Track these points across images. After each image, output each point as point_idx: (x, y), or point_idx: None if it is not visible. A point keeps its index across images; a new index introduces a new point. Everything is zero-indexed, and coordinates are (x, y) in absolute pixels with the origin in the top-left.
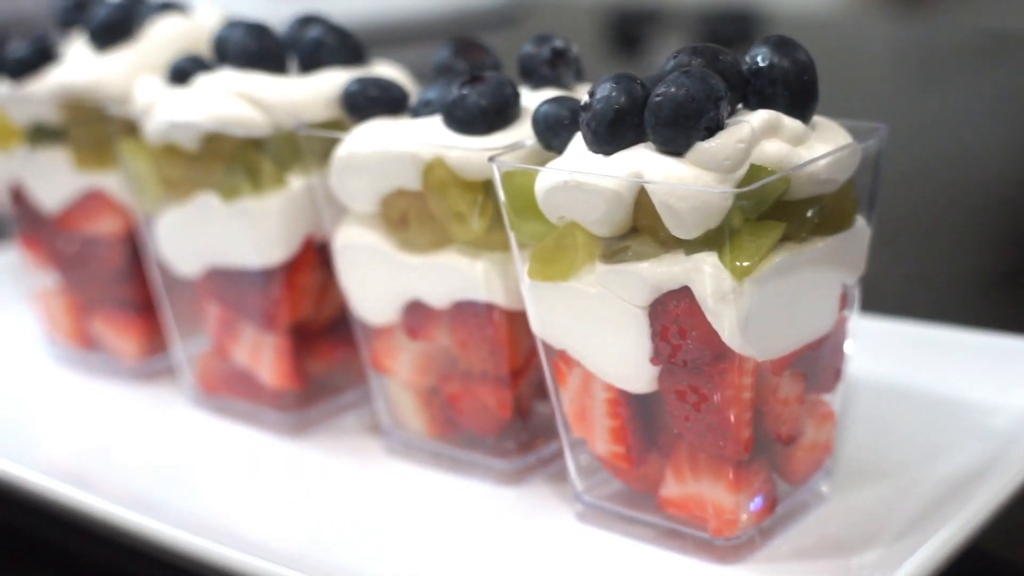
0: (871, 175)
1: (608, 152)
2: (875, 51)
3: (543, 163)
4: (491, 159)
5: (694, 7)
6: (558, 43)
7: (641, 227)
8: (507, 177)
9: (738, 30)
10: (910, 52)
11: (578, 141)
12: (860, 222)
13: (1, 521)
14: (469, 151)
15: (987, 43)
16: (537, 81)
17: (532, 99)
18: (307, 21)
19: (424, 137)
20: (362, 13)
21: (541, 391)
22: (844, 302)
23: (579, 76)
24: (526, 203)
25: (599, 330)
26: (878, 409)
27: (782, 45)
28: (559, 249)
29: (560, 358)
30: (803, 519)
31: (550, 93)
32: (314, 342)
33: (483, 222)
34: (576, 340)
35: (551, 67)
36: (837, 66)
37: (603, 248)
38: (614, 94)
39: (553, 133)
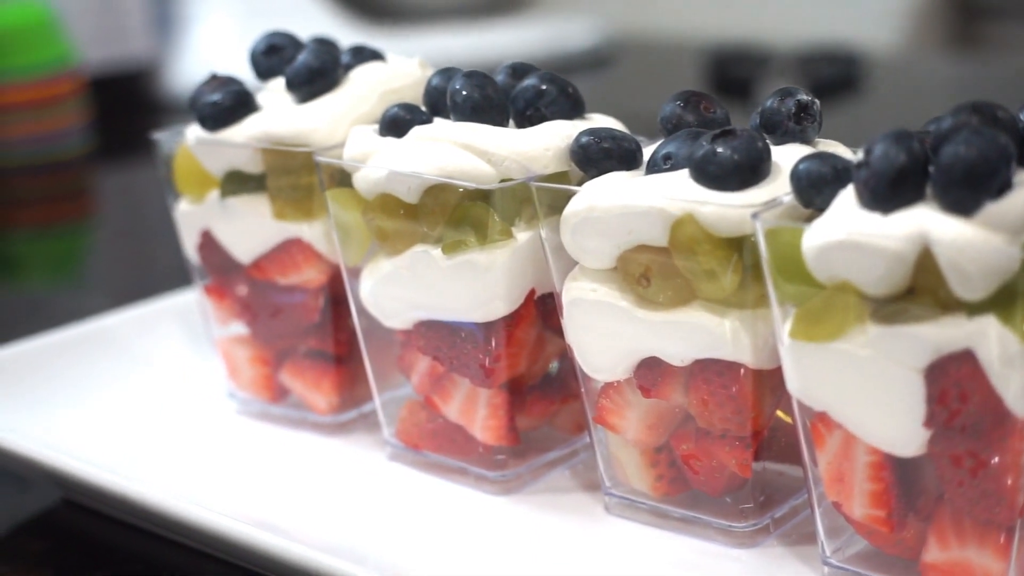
0: None
1: (886, 211)
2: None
3: (800, 220)
4: (754, 216)
5: (793, 49)
6: (802, 97)
7: (920, 288)
8: (771, 235)
9: (841, 72)
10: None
11: (845, 199)
12: None
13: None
14: (724, 207)
15: None
16: (781, 136)
17: (778, 154)
18: (519, 69)
19: (672, 192)
20: (452, 55)
21: (773, 450)
22: None
23: (820, 130)
24: (790, 261)
25: (867, 392)
26: None
27: None
28: (828, 309)
29: (819, 420)
30: None
31: (795, 148)
32: (524, 397)
33: (735, 279)
34: (840, 402)
35: (796, 121)
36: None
37: (874, 309)
38: (893, 152)
39: (816, 190)
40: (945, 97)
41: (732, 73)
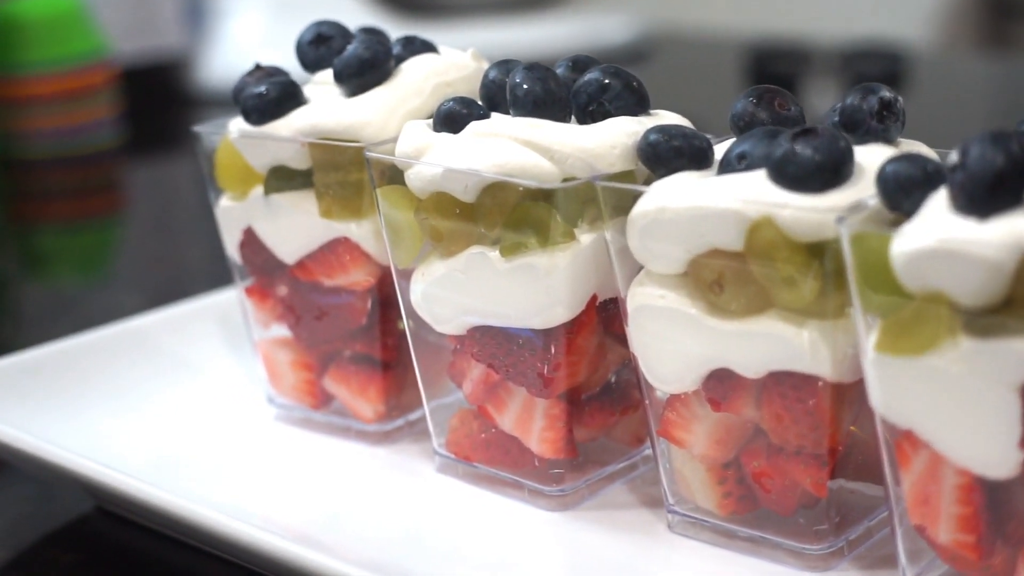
0: None
1: (983, 217)
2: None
3: (884, 225)
4: (839, 220)
5: (836, 45)
6: (885, 93)
7: (1018, 299)
8: (857, 240)
9: (884, 70)
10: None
11: (936, 203)
12: None
13: None
14: (805, 211)
15: None
16: (863, 135)
17: (859, 154)
18: (580, 62)
19: (748, 194)
20: (486, 49)
21: (849, 467)
22: None
23: (903, 129)
24: (877, 269)
25: (958, 411)
26: None
27: None
28: (917, 321)
29: (905, 439)
30: None
31: (877, 148)
32: (582, 408)
33: (815, 287)
34: (928, 420)
35: (879, 120)
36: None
37: (968, 321)
38: (991, 153)
39: (904, 193)
40: (983, 96)
41: (773, 70)
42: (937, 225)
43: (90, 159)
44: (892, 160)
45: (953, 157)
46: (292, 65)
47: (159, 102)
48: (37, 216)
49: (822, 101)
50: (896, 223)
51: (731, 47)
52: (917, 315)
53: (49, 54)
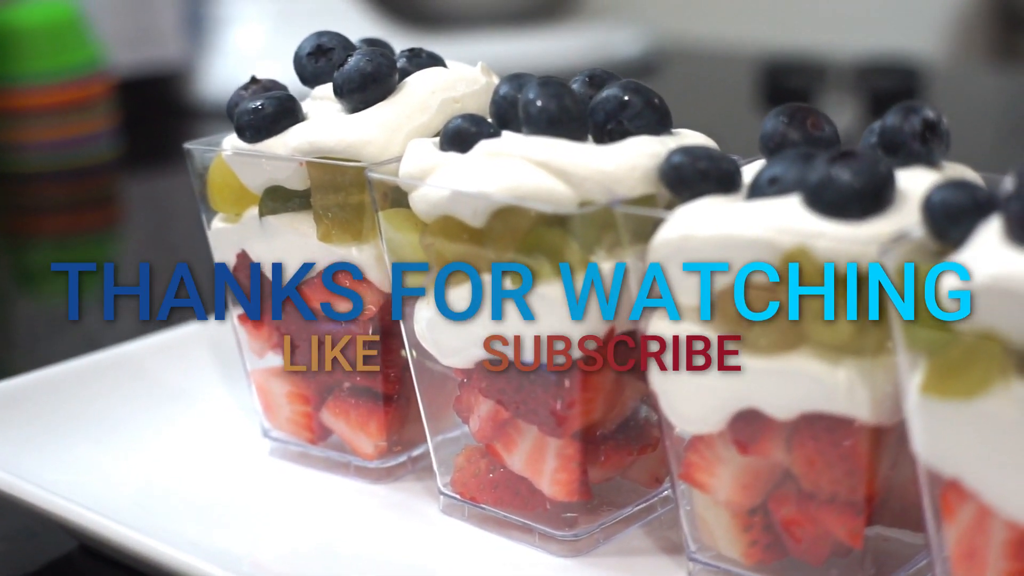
0: None
1: None
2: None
3: (933, 257)
4: (883, 252)
5: (849, 59)
6: (929, 114)
7: None
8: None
9: (899, 84)
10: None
11: (988, 234)
12: None
13: None
14: (843, 241)
15: None
16: (905, 157)
17: (900, 179)
18: (598, 77)
19: (781, 221)
20: (494, 62)
21: (885, 515)
22: None
23: (948, 151)
24: (924, 306)
25: (1010, 459)
26: None
27: None
28: (968, 361)
29: (950, 488)
30: None
31: (918, 172)
32: (597, 446)
33: (854, 323)
34: (977, 469)
35: (922, 142)
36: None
37: (1021, 362)
38: None
39: (953, 223)
40: (996, 110)
41: (787, 84)
42: (990, 258)
43: (86, 172)
44: (940, 187)
45: (1007, 185)
46: (292, 79)
47: (157, 114)
48: (31, 231)
49: (838, 117)
50: (942, 254)
51: (743, 61)
52: (967, 354)
53: (45, 65)
